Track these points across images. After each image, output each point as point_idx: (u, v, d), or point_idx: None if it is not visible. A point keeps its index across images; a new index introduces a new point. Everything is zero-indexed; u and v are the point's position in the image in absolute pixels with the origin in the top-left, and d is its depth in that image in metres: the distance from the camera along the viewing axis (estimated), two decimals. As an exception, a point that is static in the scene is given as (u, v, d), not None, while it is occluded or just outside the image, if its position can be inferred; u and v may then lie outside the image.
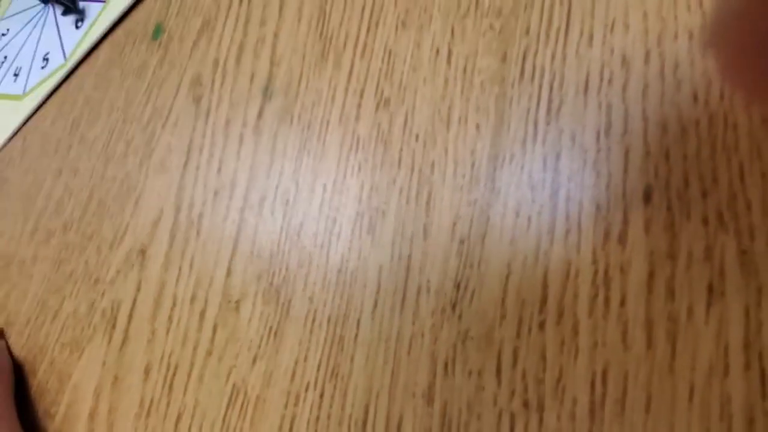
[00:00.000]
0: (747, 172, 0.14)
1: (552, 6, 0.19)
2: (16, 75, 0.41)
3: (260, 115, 0.26)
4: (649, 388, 0.14)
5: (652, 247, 0.15)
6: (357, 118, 0.22)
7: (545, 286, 0.16)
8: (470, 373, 0.16)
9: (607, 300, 0.15)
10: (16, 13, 0.45)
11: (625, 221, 0.15)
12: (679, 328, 0.14)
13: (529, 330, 0.16)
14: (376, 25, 0.23)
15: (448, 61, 0.21)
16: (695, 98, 0.16)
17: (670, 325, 0.14)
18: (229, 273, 0.23)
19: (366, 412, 0.17)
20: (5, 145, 0.39)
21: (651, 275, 0.15)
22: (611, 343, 0.14)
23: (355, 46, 0.24)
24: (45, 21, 0.41)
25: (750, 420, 0.13)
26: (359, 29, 0.24)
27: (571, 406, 0.14)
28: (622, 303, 0.15)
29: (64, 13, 0.39)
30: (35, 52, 0.40)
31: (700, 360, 0.13)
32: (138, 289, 0.26)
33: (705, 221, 0.14)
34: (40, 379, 0.28)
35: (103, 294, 0.27)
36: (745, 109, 0.15)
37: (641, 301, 0.14)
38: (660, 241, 0.15)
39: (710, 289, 0.14)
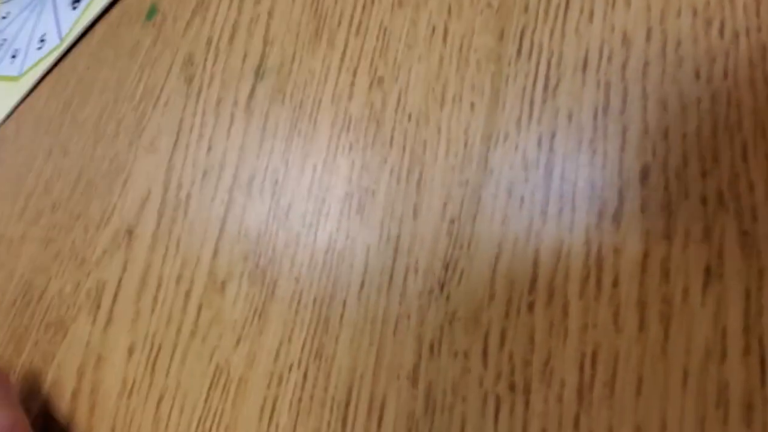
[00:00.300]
0: (750, 151, 0.14)
1: (551, -17, 0.19)
2: (13, 57, 0.40)
3: (252, 94, 0.25)
4: (641, 371, 0.13)
5: (647, 227, 0.14)
6: (350, 97, 0.22)
7: (536, 266, 0.15)
8: (456, 354, 0.15)
9: (599, 281, 0.14)
10: (15, -6, 0.44)
11: (621, 200, 0.15)
12: (674, 310, 0.13)
13: (518, 311, 0.15)
14: (372, 2, 0.23)
15: (444, 40, 0.20)
16: (697, 76, 0.15)
17: (664, 307, 0.13)
18: (215, 253, 0.22)
19: (349, 393, 0.17)
20: (4, 119, 0.38)
21: (645, 255, 0.14)
22: (602, 324, 0.14)
23: (350, 24, 0.23)
24: (44, 2, 0.40)
25: (748, 407, 0.12)
26: (354, 7, 0.23)
27: (558, 388, 0.14)
28: (615, 284, 0.14)
29: (61, -8, 0.38)
30: (32, 33, 0.39)
31: (695, 343, 0.13)
32: (124, 270, 0.25)
33: (704, 201, 0.14)
34: (24, 359, 0.27)
35: (88, 274, 0.26)
36: (750, 86, 0.14)
37: (634, 282, 0.14)
38: (656, 220, 0.14)
39: (708, 270, 0.13)
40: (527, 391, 0.14)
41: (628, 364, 0.13)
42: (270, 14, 0.26)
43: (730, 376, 0.12)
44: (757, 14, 0.15)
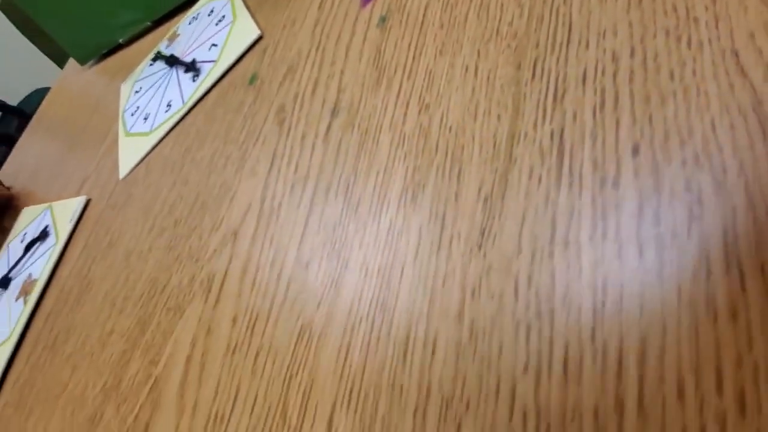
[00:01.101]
0: (717, 124, 0.16)
1: (556, 27, 0.22)
2: (145, 118, 0.48)
3: (329, 128, 0.30)
4: (642, 294, 0.15)
5: (640, 187, 0.16)
6: (403, 121, 0.26)
7: (554, 224, 0.17)
8: (493, 296, 0.18)
9: (605, 231, 0.16)
10: (148, 76, 0.53)
11: (618, 171, 0.17)
12: (665, 245, 0.15)
13: (541, 259, 0.17)
14: (420, 55, 0.27)
15: (475, 74, 0.24)
16: (672, 76, 0.18)
17: (658, 245, 0.15)
18: (301, 243, 0.26)
19: (407, 335, 0.19)
20: (133, 169, 0.45)
21: (640, 208, 0.16)
22: (608, 259, 0.16)
23: (403, 71, 0.28)
24: (170, 78, 0.48)
25: (733, 313, 0.13)
26: (406, 59, 0.28)
27: (576, 313, 0.16)
28: (618, 230, 0.16)
29: (186, 71, 0.46)
30: (161, 101, 0.47)
31: (685, 267, 0.14)
32: (230, 262, 0.29)
33: (684, 163, 0.16)
34: (148, 337, 0.31)
35: (202, 268, 0.30)
36: (714, 79, 0.17)
37: (633, 226, 0.16)
38: (647, 181, 0.16)
39: (690, 212, 0.15)
40: (551, 317, 0.16)
41: (633, 289, 0.15)
42: (342, 72, 0.31)
43: (716, 291, 0.14)
44: (716, 27, 0.18)
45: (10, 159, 0.74)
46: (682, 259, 0.15)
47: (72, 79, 0.73)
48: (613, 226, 0.16)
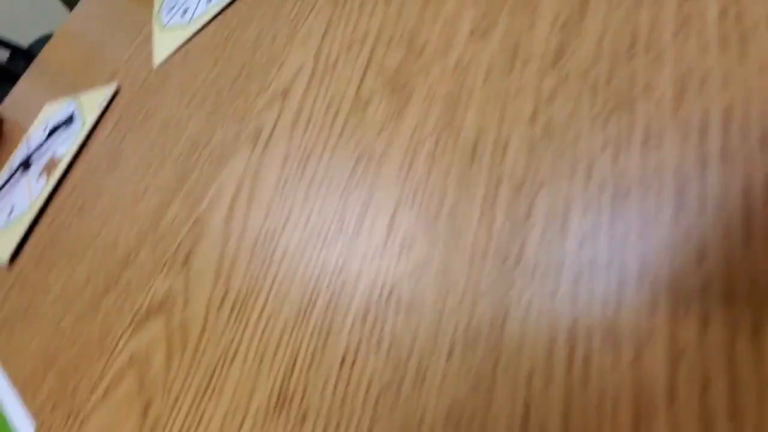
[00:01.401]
0: (807, -60, 0.16)
1: None
2: (183, 13, 0.47)
3: (389, -5, 0.29)
4: (727, 78, 0.15)
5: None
6: (472, -21, 0.26)
7: (634, 35, 0.18)
8: (568, 99, 0.18)
9: (687, 33, 0.17)
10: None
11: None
12: (749, 38, 0.15)
13: (621, 63, 0.18)
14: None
15: (550, -68, 0.24)
16: None
17: (741, 39, 0.16)
18: (359, 88, 0.26)
19: (476, 141, 0.19)
20: (170, 58, 0.45)
21: (724, 11, 0.16)
22: (691, 56, 0.16)
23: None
24: (213, -26, 0.48)
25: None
26: (476, -72, 0.28)
27: (657, 101, 0.16)
28: (701, 31, 0.17)
29: (231, -37, 0.45)
30: (202, -5, 0.46)
31: (760, 68, 0.15)
32: (279, 115, 0.29)
33: (772, -28, 0.16)
34: (188, 186, 0.31)
35: (248, 124, 0.30)
36: None
37: (716, 27, 0.16)
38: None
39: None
40: (632, 107, 0.16)
41: (716, 81, 0.15)
42: (403, -52, 0.31)
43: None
44: None
45: (15, 90, 0.72)
46: (764, 52, 0.15)
47: (88, 9, 0.71)
48: (695, 29, 0.17)
